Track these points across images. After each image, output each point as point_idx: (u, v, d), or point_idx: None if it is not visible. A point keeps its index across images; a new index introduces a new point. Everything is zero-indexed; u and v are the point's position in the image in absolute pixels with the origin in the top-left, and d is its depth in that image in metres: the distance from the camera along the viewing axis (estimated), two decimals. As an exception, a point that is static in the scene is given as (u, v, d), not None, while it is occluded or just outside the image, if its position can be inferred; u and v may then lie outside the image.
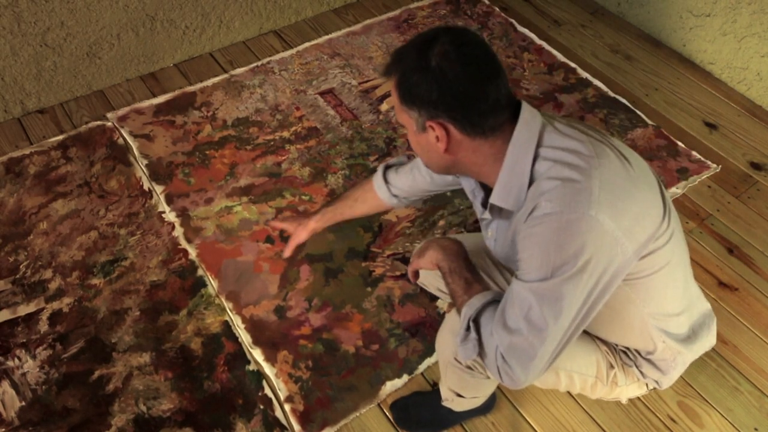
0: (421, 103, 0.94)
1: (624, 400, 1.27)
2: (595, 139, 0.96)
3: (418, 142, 1.01)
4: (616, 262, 0.91)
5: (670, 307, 1.07)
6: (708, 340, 1.16)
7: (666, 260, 0.99)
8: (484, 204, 1.09)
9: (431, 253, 1.14)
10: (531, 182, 0.94)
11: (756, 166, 2.11)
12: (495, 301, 1.01)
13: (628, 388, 1.20)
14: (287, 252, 1.52)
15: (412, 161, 1.35)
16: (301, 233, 1.50)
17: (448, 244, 1.14)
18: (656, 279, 1.00)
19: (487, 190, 1.07)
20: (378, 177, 1.40)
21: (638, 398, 1.53)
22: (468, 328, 0.99)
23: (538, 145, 0.94)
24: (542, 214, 0.91)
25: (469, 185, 1.14)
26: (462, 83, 0.90)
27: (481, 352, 0.98)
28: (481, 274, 1.10)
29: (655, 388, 1.20)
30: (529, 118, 0.96)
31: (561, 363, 1.12)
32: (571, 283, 0.89)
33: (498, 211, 1.03)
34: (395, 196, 1.38)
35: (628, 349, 1.16)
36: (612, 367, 1.17)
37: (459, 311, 1.04)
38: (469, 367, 1.15)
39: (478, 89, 0.91)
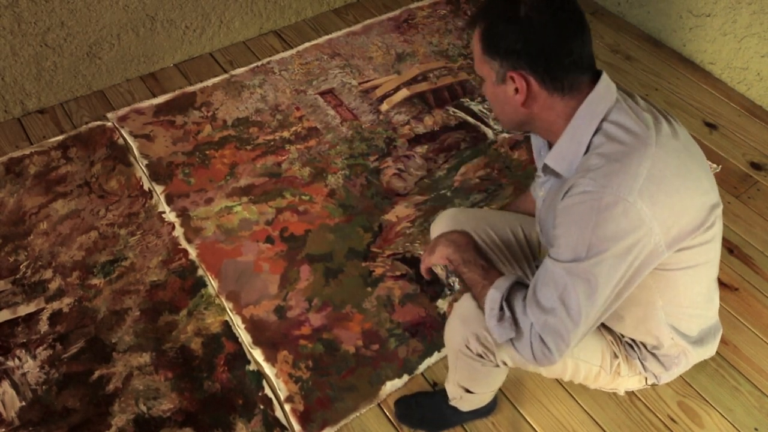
0: (504, 53, 0.94)
1: (621, 392, 1.28)
2: (664, 127, 0.95)
3: (495, 94, 1.01)
4: (647, 249, 0.91)
5: (686, 306, 1.07)
6: (709, 349, 1.17)
7: (696, 261, 0.99)
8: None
9: (441, 249, 1.15)
10: (586, 152, 0.95)
11: (756, 166, 2.11)
12: (518, 283, 1.01)
13: (629, 380, 1.21)
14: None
15: None
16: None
17: (456, 237, 1.15)
18: (680, 275, 1.00)
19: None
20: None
21: (638, 398, 1.53)
22: (502, 308, 1.00)
23: (604, 118, 0.94)
24: (582, 191, 0.91)
25: (537, 143, 1.14)
26: (548, 35, 0.91)
27: (517, 330, 0.98)
28: (496, 261, 1.11)
29: (653, 384, 1.21)
30: (604, 89, 0.96)
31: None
32: (605, 266, 0.90)
33: (551, 171, 1.03)
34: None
35: (634, 341, 1.17)
36: (616, 357, 1.18)
37: (480, 298, 1.04)
38: (479, 355, 1.15)
39: (563, 43, 0.92)
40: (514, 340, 1.00)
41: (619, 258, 0.90)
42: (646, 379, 1.20)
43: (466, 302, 1.13)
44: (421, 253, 1.79)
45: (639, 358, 1.17)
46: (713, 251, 1.02)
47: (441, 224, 1.41)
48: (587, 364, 1.17)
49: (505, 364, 1.15)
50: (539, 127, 1.03)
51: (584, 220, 0.90)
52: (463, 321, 1.13)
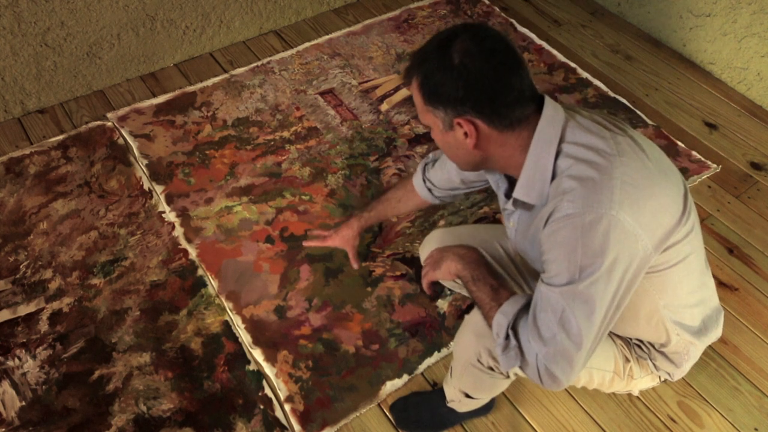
0: (447, 101, 0.94)
1: (636, 392, 1.28)
2: (617, 134, 0.96)
3: (445, 141, 1.01)
4: (638, 257, 0.91)
5: (685, 299, 1.08)
6: (715, 333, 1.18)
7: (684, 254, 0.99)
8: (508, 195, 1.09)
9: (449, 264, 1.14)
10: (553, 177, 0.95)
11: (756, 166, 2.11)
12: (528, 305, 1.01)
13: (643, 381, 1.22)
14: (355, 264, 1.63)
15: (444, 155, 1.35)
16: (352, 241, 1.58)
17: (465, 252, 1.14)
18: (673, 272, 1.00)
19: (511, 180, 1.08)
20: (418, 174, 1.41)
21: (638, 398, 1.53)
22: (507, 337, 0.99)
23: (561, 140, 0.95)
24: (564, 215, 0.91)
25: (493, 177, 1.14)
26: (487, 77, 0.91)
27: (522, 360, 0.98)
28: (506, 279, 1.10)
29: (666, 380, 1.22)
30: (551, 113, 0.96)
31: None
32: (599, 284, 0.90)
33: (521, 204, 1.03)
34: (430, 190, 1.39)
35: (641, 342, 1.17)
36: (628, 360, 1.18)
37: (488, 318, 1.04)
38: (490, 368, 1.15)
39: (503, 81, 0.92)
40: (522, 367, 1.00)
41: (612, 272, 0.90)
42: (659, 377, 1.21)
43: (479, 315, 1.12)
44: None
45: (649, 358, 1.17)
46: (696, 239, 1.03)
47: (430, 247, 1.37)
48: (601, 371, 1.18)
49: (516, 375, 1.15)
50: (496, 164, 1.03)
51: (571, 242, 0.90)
52: (477, 335, 1.12)
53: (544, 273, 0.96)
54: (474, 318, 1.14)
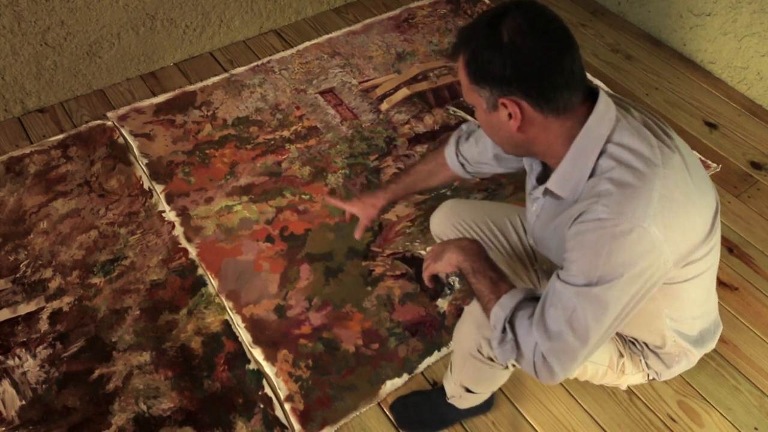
0: (493, 80, 0.91)
1: (624, 387, 1.28)
2: (665, 144, 0.94)
3: (488, 122, 0.99)
4: (659, 271, 0.91)
5: (689, 311, 1.08)
6: (709, 345, 1.19)
7: (700, 270, 0.99)
8: (539, 180, 1.07)
9: (450, 255, 1.13)
10: (591, 175, 0.93)
11: (756, 166, 2.11)
12: (525, 300, 1.00)
13: (632, 377, 1.22)
14: (359, 234, 1.53)
15: (480, 129, 1.31)
16: (371, 213, 1.47)
17: (466, 245, 1.13)
18: (686, 286, 1.00)
19: (546, 167, 1.06)
20: (450, 147, 1.36)
21: (638, 397, 1.53)
22: (504, 330, 0.99)
23: (608, 140, 0.92)
24: (596, 218, 0.89)
25: (528, 158, 1.12)
26: (537, 57, 0.88)
27: (518, 354, 0.98)
28: (505, 273, 1.10)
29: (654, 379, 1.22)
30: (603, 109, 0.93)
31: None
32: (615, 291, 0.90)
33: (551, 193, 1.01)
34: (462, 165, 1.35)
35: (636, 340, 1.17)
36: (621, 355, 1.19)
37: (487, 310, 1.04)
38: (490, 358, 1.15)
39: (553, 62, 0.89)
40: (517, 360, 1.00)
41: (632, 282, 0.90)
42: (648, 375, 1.22)
43: (479, 305, 1.12)
44: (422, 252, 1.79)
45: (642, 356, 1.18)
46: (714, 257, 1.02)
47: (441, 215, 1.40)
48: (594, 365, 1.18)
49: (514, 365, 1.15)
50: (537, 151, 1.00)
51: (598, 247, 0.89)
52: (478, 325, 1.12)
53: (563, 270, 0.95)
54: (474, 309, 1.14)
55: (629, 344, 1.19)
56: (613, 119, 0.94)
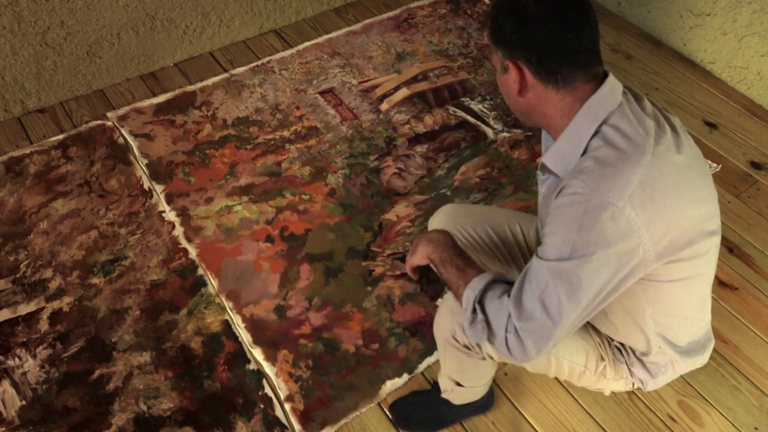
0: (504, 42, 0.97)
1: (607, 393, 1.28)
2: (666, 138, 0.94)
3: (501, 83, 1.04)
4: (636, 258, 0.91)
5: (675, 316, 1.07)
6: (698, 360, 1.17)
7: (686, 274, 0.99)
8: None
9: (421, 248, 1.16)
10: (584, 154, 0.95)
11: (756, 166, 2.11)
12: (495, 281, 1.01)
13: (615, 383, 1.21)
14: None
15: None
16: None
17: (434, 236, 1.16)
18: (670, 287, 1.00)
19: None
20: None
21: (638, 397, 1.53)
22: (474, 311, 1.00)
23: (604, 121, 0.94)
24: (572, 192, 0.91)
25: (546, 141, 1.15)
26: (542, 26, 0.92)
27: (490, 333, 0.99)
28: (473, 260, 1.10)
29: (639, 388, 1.21)
30: (608, 92, 0.95)
31: (554, 348, 1.13)
32: (587, 268, 0.90)
33: (549, 171, 1.03)
34: None
35: (623, 345, 1.16)
36: (602, 359, 1.18)
37: (458, 297, 1.05)
38: (466, 347, 1.15)
39: (557, 34, 0.92)
40: (489, 340, 1.00)
41: (606, 263, 0.90)
42: (632, 383, 1.20)
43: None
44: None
45: (626, 363, 1.17)
46: (705, 265, 1.01)
47: (439, 220, 1.41)
48: (570, 362, 1.17)
49: (491, 357, 1.15)
50: (540, 121, 1.03)
51: (571, 220, 0.90)
52: (452, 312, 1.14)
53: (540, 246, 0.96)
54: (449, 298, 1.16)
55: (615, 350, 1.18)
56: (616, 103, 0.95)
